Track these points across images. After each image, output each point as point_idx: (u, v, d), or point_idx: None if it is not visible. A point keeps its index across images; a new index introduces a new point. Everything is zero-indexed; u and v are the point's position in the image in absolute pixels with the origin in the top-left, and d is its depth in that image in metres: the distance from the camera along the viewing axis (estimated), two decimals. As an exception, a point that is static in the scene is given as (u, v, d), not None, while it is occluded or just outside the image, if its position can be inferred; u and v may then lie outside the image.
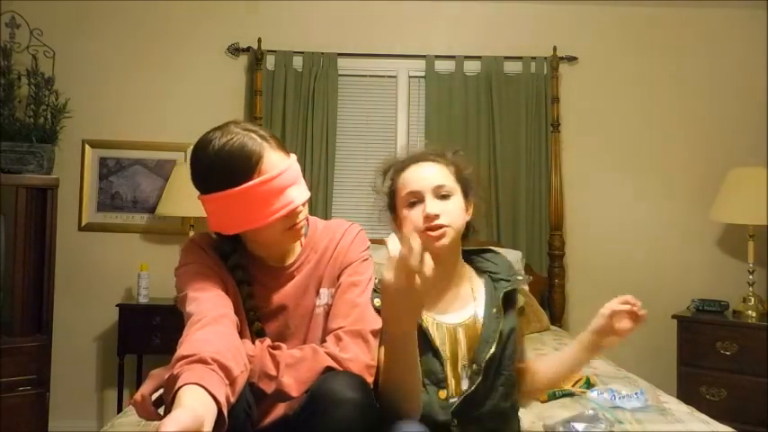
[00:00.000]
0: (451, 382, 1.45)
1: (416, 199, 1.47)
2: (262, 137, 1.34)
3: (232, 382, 1.11)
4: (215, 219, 1.37)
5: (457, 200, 1.48)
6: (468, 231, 1.54)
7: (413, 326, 1.25)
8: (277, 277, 1.45)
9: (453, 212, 1.46)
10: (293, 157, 1.40)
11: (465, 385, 1.45)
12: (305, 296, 1.45)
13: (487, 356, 1.44)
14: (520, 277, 1.57)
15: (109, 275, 3.55)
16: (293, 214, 1.35)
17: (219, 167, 1.31)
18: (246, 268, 1.43)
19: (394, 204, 1.55)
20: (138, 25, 3.63)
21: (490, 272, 1.57)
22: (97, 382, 3.57)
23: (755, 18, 3.63)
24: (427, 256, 1.16)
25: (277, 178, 1.31)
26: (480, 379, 1.44)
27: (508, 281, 1.53)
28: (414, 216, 1.45)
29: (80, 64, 3.56)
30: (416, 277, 1.15)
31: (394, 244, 1.16)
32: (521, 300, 1.58)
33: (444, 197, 1.46)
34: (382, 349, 1.37)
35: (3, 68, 3.10)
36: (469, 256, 1.59)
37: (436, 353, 1.44)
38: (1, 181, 2.97)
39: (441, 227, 1.43)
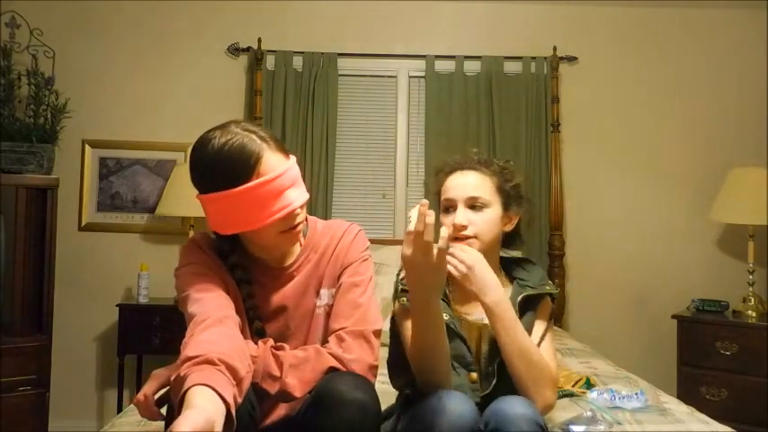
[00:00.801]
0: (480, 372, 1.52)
1: (451, 206, 1.55)
2: (262, 138, 1.33)
3: (239, 382, 1.11)
4: (213, 219, 1.37)
5: (491, 212, 1.54)
6: (510, 241, 1.62)
7: (436, 295, 1.32)
8: (277, 278, 1.45)
9: (483, 224, 1.52)
10: (293, 158, 1.40)
11: (485, 386, 1.50)
12: (305, 296, 1.45)
13: (498, 359, 1.49)
14: (548, 287, 1.61)
15: (109, 275, 3.54)
16: (291, 216, 1.35)
17: (218, 167, 1.30)
18: (246, 268, 1.43)
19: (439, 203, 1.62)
20: (138, 25, 3.63)
21: (519, 278, 1.62)
22: (97, 382, 3.57)
23: (755, 18, 3.63)
24: (443, 230, 1.26)
25: (275, 180, 1.31)
26: (495, 380, 1.49)
27: (534, 288, 1.58)
28: (446, 222, 1.53)
29: (80, 64, 3.56)
30: (432, 250, 1.23)
31: (412, 222, 1.24)
32: (547, 306, 1.61)
33: (477, 208, 1.53)
34: (409, 324, 1.44)
35: (3, 68, 3.10)
36: (508, 264, 1.65)
37: (463, 339, 1.51)
38: (1, 181, 2.96)
39: (467, 237, 1.50)
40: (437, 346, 1.36)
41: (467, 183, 1.55)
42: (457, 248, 1.47)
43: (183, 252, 1.43)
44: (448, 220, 1.53)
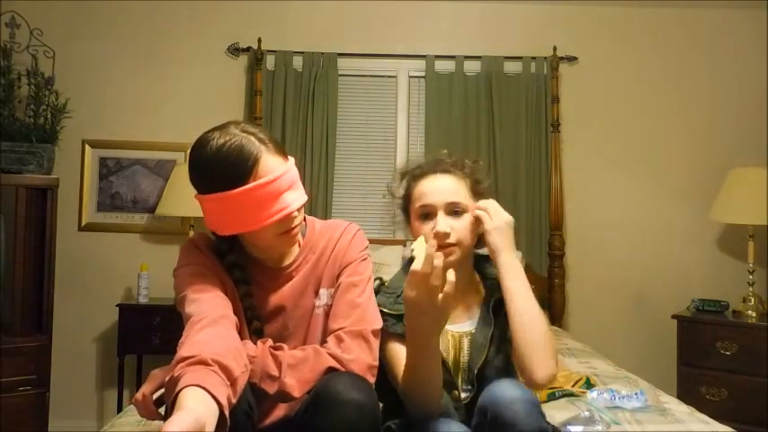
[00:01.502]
0: (459, 386, 1.47)
1: (429, 212, 1.47)
2: (260, 140, 1.33)
3: (233, 382, 1.10)
4: (211, 219, 1.37)
5: (469, 216, 1.48)
6: (480, 242, 1.52)
7: (437, 334, 1.27)
8: (275, 278, 1.44)
9: (464, 229, 1.46)
10: (291, 160, 1.39)
11: (465, 394, 1.46)
12: (303, 297, 1.44)
13: (479, 364, 1.45)
14: None
15: (109, 275, 3.55)
16: (288, 219, 1.34)
17: (216, 169, 1.30)
18: (245, 268, 1.43)
19: (408, 208, 1.55)
20: (139, 25, 3.63)
21: (489, 276, 1.55)
22: (97, 382, 3.57)
23: (755, 18, 3.63)
24: (450, 273, 1.18)
25: (273, 183, 1.30)
26: (475, 387, 1.44)
27: None
28: (425, 230, 1.46)
29: (80, 64, 3.56)
30: (438, 294, 1.18)
31: (419, 258, 1.17)
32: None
33: (456, 214, 1.46)
34: (399, 349, 1.39)
35: (3, 68, 3.10)
36: (477, 261, 1.58)
37: (443, 361, 1.41)
38: (1, 181, 2.96)
39: (450, 245, 1.43)
40: (432, 378, 1.31)
41: (444, 188, 1.48)
42: (492, 204, 1.47)
43: (182, 252, 1.43)
44: (427, 227, 1.46)
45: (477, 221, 1.50)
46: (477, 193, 1.52)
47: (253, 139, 1.32)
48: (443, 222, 1.44)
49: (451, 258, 1.44)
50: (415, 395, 1.35)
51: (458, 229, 1.45)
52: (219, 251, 1.43)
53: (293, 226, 1.36)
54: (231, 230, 1.36)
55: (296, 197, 1.35)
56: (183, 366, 1.08)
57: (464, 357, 1.49)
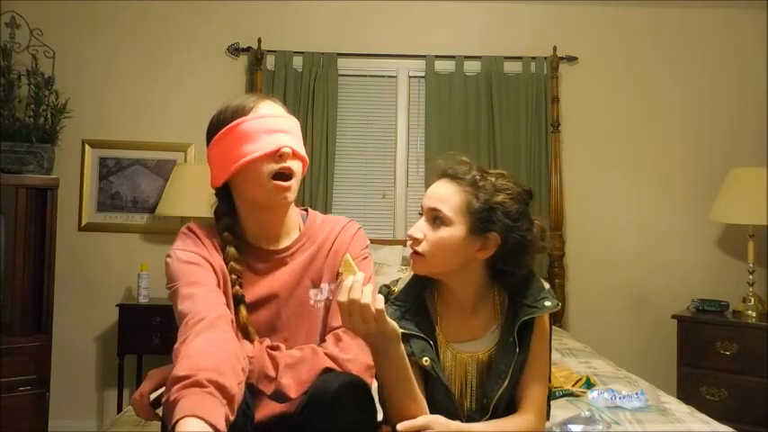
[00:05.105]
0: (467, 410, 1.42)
1: (422, 215, 1.42)
2: (273, 100, 1.44)
3: (230, 400, 1.09)
4: (213, 167, 1.42)
5: (450, 231, 1.35)
6: (500, 272, 1.41)
7: (395, 341, 1.27)
8: (269, 261, 1.43)
9: (438, 243, 1.35)
10: (297, 121, 1.45)
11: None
12: (299, 287, 1.43)
13: (498, 394, 1.38)
14: (548, 303, 1.41)
15: (109, 275, 3.54)
16: (282, 155, 1.36)
17: (223, 110, 1.41)
18: (239, 250, 1.42)
19: None
20: (139, 25, 3.63)
21: (516, 293, 1.43)
22: (97, 382, 3.57)
23: (755, 18, 3.63)
24: (379, 301, 1.21)
25: (269, 118, 1.38)
26: (487, 417, 1.38)
27: (533, 307, 1.40)
28: None
29: (80, 64, 3.56)
30: (368, 311, 1.20)
31: (343, 290, 1.22)
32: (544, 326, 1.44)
33: (435, 222, 1.37)
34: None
35: (3, 68, 3.09)
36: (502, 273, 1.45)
37: (446, 387, 1.39)
38: (1, 181, 2.96)
39: (417, 252, 1.37)
40: (408, 398, 1.30)
41: (436, 193, 1.39)
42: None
43: (178, 238, 1.45)
44: None
45: (477, 241, 1.37)
46: (473, 212, 1.36)
47: (264, 96, 1.44)
48: (417, 226, 1.39)
49: (417, 269, 1.40)
50: (394, 401, 1.33)
51: (430, 239, 1.36)
52: (217, 214, 1.45)
53: (287, 166, 1.37)
54: (229, 170, 1.37)
55: (292, 141, 1.39)
56: (178, 389, 1.06)
57: (473, 381, 1.42)
